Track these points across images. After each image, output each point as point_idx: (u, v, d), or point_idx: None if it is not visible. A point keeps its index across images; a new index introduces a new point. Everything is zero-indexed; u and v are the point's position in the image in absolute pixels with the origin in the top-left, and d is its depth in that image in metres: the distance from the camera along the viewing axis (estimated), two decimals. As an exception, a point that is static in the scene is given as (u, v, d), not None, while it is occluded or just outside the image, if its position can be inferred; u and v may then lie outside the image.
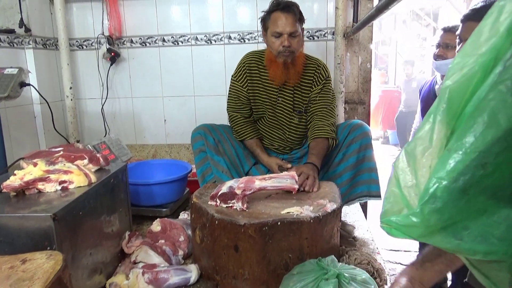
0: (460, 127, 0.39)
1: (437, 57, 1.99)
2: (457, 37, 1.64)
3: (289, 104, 1.89)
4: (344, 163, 1.79)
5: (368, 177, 1.78)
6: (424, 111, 2.26)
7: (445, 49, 1.95)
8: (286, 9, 1.72)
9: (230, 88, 1.98)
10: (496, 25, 0.38)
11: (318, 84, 1.87)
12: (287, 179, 1.43)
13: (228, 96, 1.99)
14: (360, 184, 1.79)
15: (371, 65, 2.59)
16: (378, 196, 1.80)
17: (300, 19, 1.76)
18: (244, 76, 1.92)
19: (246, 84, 1.92)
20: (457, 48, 1.63)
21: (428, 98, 2.18)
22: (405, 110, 6.22)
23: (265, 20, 1.80)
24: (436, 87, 2.11)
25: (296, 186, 1.42)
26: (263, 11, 1.83)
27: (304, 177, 1.56)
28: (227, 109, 2.00)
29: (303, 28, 1.81)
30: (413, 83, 6.23)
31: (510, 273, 0.39)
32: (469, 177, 0.37)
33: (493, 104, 0.36)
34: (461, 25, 1.60)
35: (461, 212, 0.39)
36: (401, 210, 0.45)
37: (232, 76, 1.97)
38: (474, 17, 1.55)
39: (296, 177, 1.46)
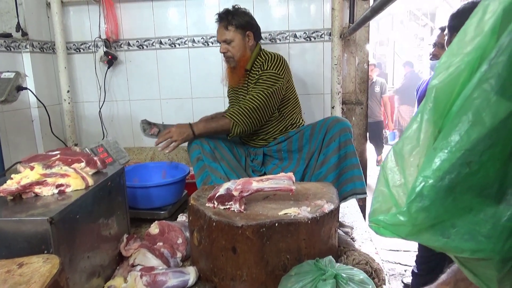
0: (446, 126, 0.40)
1: (432, 56, 2.00)
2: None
3: None
4: (326, 164, 1.79)
5: (352, 174, 1.79)
6: None
7: (440, 48, 1.96)
8: (219, 20, 1.96)
9: None
10: (481, 24, 0.38)
11: (257, 76, 1.96)
12: (284, 180, 1.43)
13: None
14: (346, 182, 1.79)
15: (368, 66, 2.59)
16: (363, 193, 1.80)
17: (234, 25, 1.91)
18: (227, 81, 2.17)
19: (227, 88, 2.20)
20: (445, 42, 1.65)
21: None
22: (370, 120, 5.29)
23: None
24: None
25: (294, 187, 1.43)
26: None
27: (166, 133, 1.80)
28: None
29: (248, 32, 1.95)
30: (376, 87, 5.51)
31: (497, 270, 0.39)
32: (455, 176, 0.38)
33: (477, 103, 0.36)
34: (448, 19, 1.62)
35: (448, 210, 0.39)
36: (389, 209, 0.45)
37: None
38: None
39: (293, 178, 1.47)
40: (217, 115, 2.25)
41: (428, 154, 0.40)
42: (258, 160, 2.04)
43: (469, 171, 0.37)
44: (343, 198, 1.81)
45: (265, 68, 1.92)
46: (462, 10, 1.56)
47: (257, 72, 1.96)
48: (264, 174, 2.00)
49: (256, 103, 1.88)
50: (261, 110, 1.89)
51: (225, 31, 1.92)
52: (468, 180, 0.37)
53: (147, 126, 2.02)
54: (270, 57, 1.96)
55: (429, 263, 2.17)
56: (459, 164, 0.37)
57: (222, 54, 1.98)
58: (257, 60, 1.98)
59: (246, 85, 2.01)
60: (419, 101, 2.29)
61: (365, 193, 1.82)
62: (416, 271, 2.28)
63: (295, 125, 2.06)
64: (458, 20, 1.53)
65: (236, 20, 1.91)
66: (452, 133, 0.38)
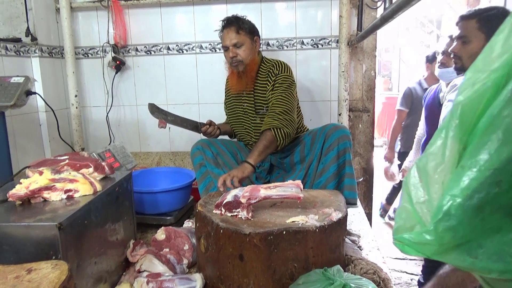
0: (473, 144, 0.39)
1: (440, 64, 1.99)
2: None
3: (251, 108, 2.02)
4: (326, 173, 1.79)
5: (349, 182, 1.79)
6: (428, 119, 2.25)
7: (448, 57, 1.95)
8: (227, 25, 1.94)
9: None
10: (509, 41, 0.38)
11: (271, 82, 1.95)
12: (292, 187, 1.42)
13: None
14: (343, 190, 1.79)
15: (375, 73, 2.59)
16: (352, 203, 1.80)
17: (244, 29, 1.92)
18: (227, 90, 2.19)
19: (226, 96, 2.21)
20: (450, 48, 1.64)
21: (433, 106, 2.17)
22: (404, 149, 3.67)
23: (220, 40, 2.00)
24: (441, 94, 2.11)
25: (302, 195, 1.42)
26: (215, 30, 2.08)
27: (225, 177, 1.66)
28: None
29: (256, 37, 1.97)
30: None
31: (526, 292, 0.39)
32: (484, 195, 0.37)
33: (507, 121, 0.36)
34: (457, 28, 1.62)
35: (475, 230, 0.38)
36: (413, 227, 0.44)
37: None
38: (469, 16, 1.56)
39: (301, 186, 1.46)
40: (224, 125, 2.24)
41: (455, 172, 0.39)
42: (264, 167, 2.04)
43: (498, 191, 0.36)
44: None
45: (277, 73, 1.93)
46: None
47: (266, 77, 1.96)
48: (268, 182, 1.99)
49: (285, 105, 1.87)
50: (291, 110, 1.89)
51: (236, 35, 1.90)
52: (497, 200, 0.37)
53: (158, 113, 1.99)
54: (277, 63, 1.98)
55: (436, 273, 2.15)
56: (489, 183, 0.36)
57: (229, 60, 1.94)
58: (262, 66, 1.99)
59: (252, 92, 2.00)
60: (426, 109, 2.28)
61: (355, 204, 1.82)
62: (422, 281, 2.25)
63: (300, 129, 2.07)
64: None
65: (246, 24, 1.92)
66: (481, 152, 0.37)
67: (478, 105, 0.40)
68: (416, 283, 2.51)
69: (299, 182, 1.48)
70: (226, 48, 1.94)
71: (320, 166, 1.82)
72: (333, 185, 1.79)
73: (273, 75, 1.94)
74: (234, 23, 1.92)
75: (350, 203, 1.79)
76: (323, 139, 1.80)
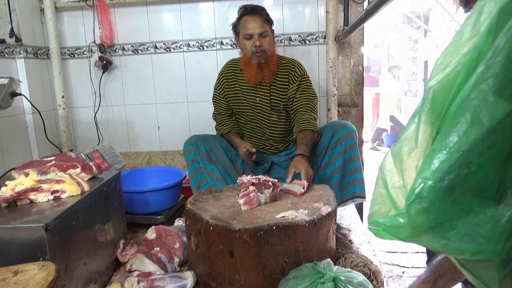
0: (444, 127, 0.39)
1: None
2: None
3: (266, 103, 1.98)
4: (331, 166, 1.80)
5: (353, 178, 1.79)
6: None
7: None
8: (253, 12, 1.86)
9: (212, 96, 2.14)
10: (477, 25, 0.38)
11: (294, 81, 1.95)
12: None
13: (212, 103, 2.15)
14: (348, 185, 1.80)
15: (363, 68, 2.60)
16: (363, 196, 1.80)
17: (268, 20, 1.89)
18: (222, 83, 2.07)
19: (223, 91, 2.06)
20: None
21: None
22: None
23: (236, 26, 1.94)
24: None
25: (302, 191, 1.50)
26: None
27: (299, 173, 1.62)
28: (212, 116, 2.16)
29: (273, 29, 1.94)
30: None
31: (498, 272, 0.39)
32: (454, 177, 0.37)
33: (475, 103, 0.36)
34: None
35: (447, 211, 0.39)
36: (388, 211, 0.45)
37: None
38: None
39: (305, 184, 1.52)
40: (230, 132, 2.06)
41: (427, 156, 0.40)
42: (263, 166, 2.02)
43: (468, 172, 0.37)
44: (343, 201, 1.81)
45: (301, 74, 1.95)
46: None
47: (286, 74, 1.95)
48: None
49: (315, 112, 1.93)
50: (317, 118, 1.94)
51: (263, 24, 1.85)
52: (467, 181, 0.37)
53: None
54: (295, 62, 1.99)
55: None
56: (458, 165, 0.37)
57: (252, 49, 1.85)
58: (279, 61, 1.98)
59: (269, 86, 1.95)
60: None
61: (365, 197, 1.81)
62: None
63: None
64: None
65: (269, 16, 1.90)
66: (450, 134, 0.37)
67: (450, 89, 0.40)
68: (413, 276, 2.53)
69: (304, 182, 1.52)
70: (249, 37, 1.85)
71: (326, 159, 1.83)
72: (337, 178, 1.79)
73: (297, 75, 1.93)
74: (261, 12, 1.87)
75: (361, 196, 1.80)
76: (332, 134, 1.82)
